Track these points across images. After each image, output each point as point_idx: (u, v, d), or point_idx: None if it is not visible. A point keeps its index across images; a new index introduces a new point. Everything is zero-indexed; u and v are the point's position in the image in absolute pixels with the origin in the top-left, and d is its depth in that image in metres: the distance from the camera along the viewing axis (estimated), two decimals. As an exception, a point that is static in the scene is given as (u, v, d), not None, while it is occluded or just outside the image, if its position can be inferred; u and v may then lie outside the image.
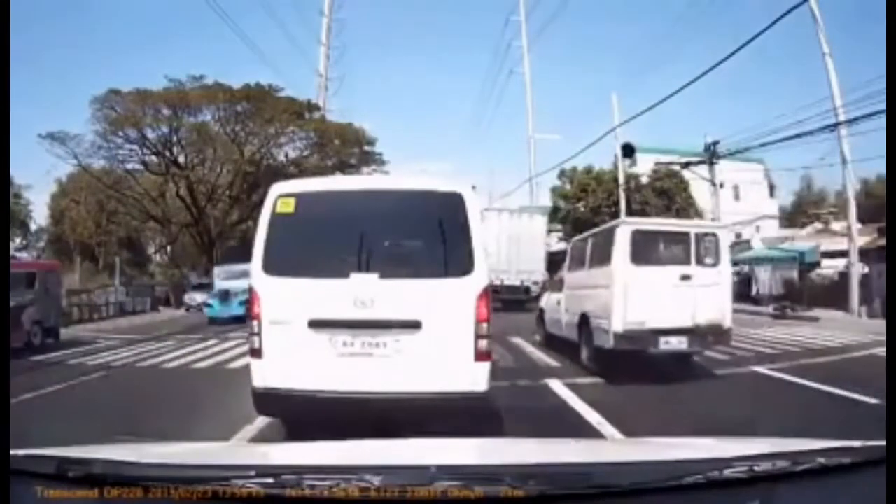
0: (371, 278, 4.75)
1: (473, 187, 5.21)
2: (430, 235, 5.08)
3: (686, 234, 9.02)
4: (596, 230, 10.72)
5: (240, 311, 18.71)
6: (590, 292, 9.54)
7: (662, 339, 8.41)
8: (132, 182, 34.00)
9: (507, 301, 21.11)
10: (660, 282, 8.54)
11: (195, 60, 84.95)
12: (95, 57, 67.44)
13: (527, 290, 22.90)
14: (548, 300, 12.56)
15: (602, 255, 9.26)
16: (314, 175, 31.99)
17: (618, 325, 8.38)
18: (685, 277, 8.66)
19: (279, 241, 4.95)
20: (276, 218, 4.97)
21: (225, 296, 21.56)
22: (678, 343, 8.51)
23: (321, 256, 5.02)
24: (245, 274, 5.97)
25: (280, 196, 5.03)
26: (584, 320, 9.56)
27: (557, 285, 11.90)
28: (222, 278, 24.03)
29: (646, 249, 8.80)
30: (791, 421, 6.26)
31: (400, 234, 5.14)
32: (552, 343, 11.68)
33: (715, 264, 8.87)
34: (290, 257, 4.99)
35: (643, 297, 8.44)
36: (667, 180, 36.70)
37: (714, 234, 9.15)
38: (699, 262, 8.78)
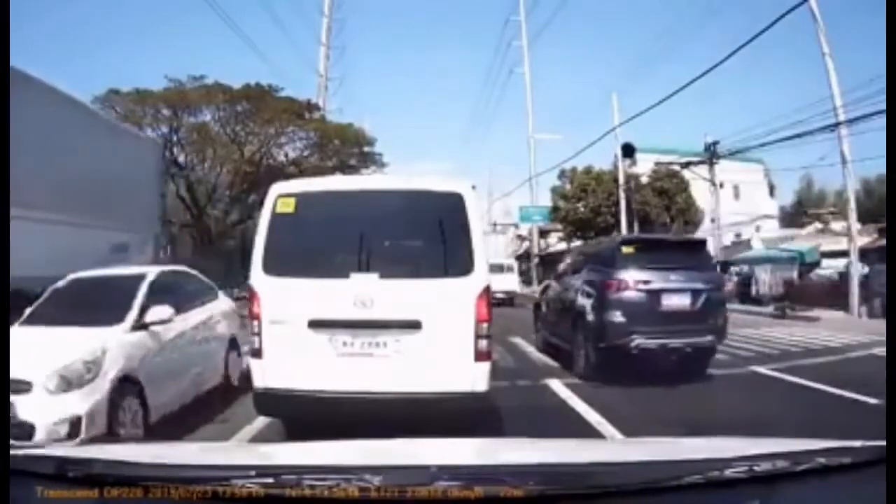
0: (371, 278, 4.75)
1: (473, 187, 5.21)
2: (430, 235, 5.09)
3: (503, 264, 28.84)
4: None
5: None
6: None
7: (498, 294, 18.32)
8: (132, 182, 33.97)
9: None
10: (495, 278, 16.30)
11: (195, 60, 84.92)
12: (95, 57, 67.41)
13: None
14: None
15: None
16: (314, 175, 31.93)
17: None
18: (503, 276, 26.04)
19: (279, 241, 4.95)
20: (275, 218, 4.96)
21: None
22: (502, 294, 23.01)
23: (321, 256, 5.02)
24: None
25: (280, 196, 5.03)
26: None
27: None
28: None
29: (492, 269, 21.29)
30: (790, 420, 6.26)
31: (400, 233, 5.13)
32: None
33: (511, 272, 29.39)
34: (290, 257, 5.00)
35: (494, 283, 20.74)
36: (667, 180, 36.67)
37: (511, 265, 31.19)
38: (507, 272, 28.39)
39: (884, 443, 1.67)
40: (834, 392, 7.64)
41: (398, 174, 28.59)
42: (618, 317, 8.37)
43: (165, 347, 5.98)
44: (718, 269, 23.69)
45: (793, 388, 8.37)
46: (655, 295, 8.40)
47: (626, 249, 9.00)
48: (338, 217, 5.04)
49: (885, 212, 16.25)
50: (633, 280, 8.44)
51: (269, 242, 4.94)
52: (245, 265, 5.22)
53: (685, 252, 9.50)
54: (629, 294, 8.39)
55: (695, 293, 8.49)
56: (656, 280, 8.47)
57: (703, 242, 11.41)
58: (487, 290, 4.82)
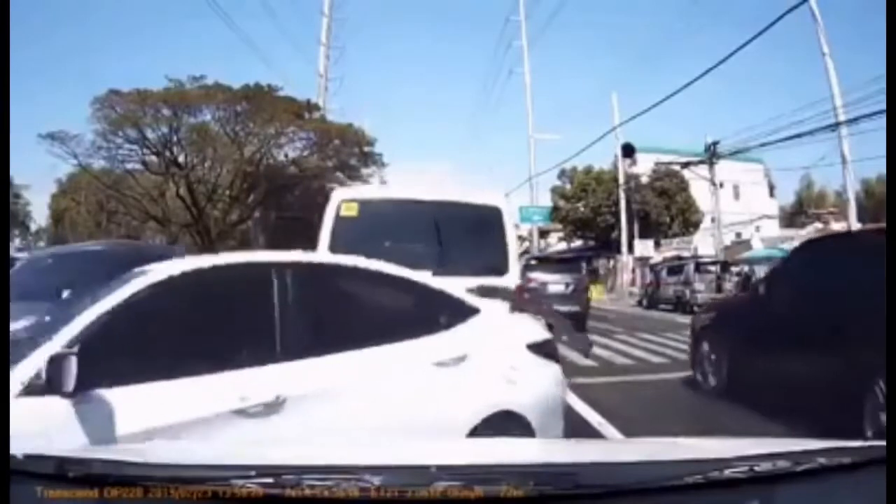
0: (425, 275, 5.12)
1: (506, 195, 5.91)
2: (473, 240, 5.93)
3: None
4: None
5: None
6: None
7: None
8: (132, 182, 33.97)
9: None
10: None
11: (195, 60, 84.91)
12: (95, 57, 67.45)
13: None
14: None
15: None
16: (314, 175, 31.88)
17: None
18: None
19: (340, 241, 5.49)
20: (339, 221, 5.63)
21: None
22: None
23: (379, 255, 5.27)
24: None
25: (344, 200, 5.77)
26: None
27: None
28: None
29: None
30: (791, 420, 6.25)
31: (448, 238, 5.86)
32: None
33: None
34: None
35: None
36: (667, 180, 36.69)
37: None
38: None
39: (884, 443, 1.67)
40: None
41: (401, 175, 29.11)
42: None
43: None
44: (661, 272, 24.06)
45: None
46: (545, 284, 16.06)
47: (532, 262, 18.07)
48: (393, 222, 5.81)
49: (885, 212, 16.26)
50: (535, 277, 16.08)
51: (333, 243, 5.51)
52: None
53: (564, 263, 18.87)
54: (532, 284, 15.49)
55: (566, 284, 16.62)
56: (546, 277, 16.47)
57: (577, 259, 21.22)
58: (520, 287, 5.65)
